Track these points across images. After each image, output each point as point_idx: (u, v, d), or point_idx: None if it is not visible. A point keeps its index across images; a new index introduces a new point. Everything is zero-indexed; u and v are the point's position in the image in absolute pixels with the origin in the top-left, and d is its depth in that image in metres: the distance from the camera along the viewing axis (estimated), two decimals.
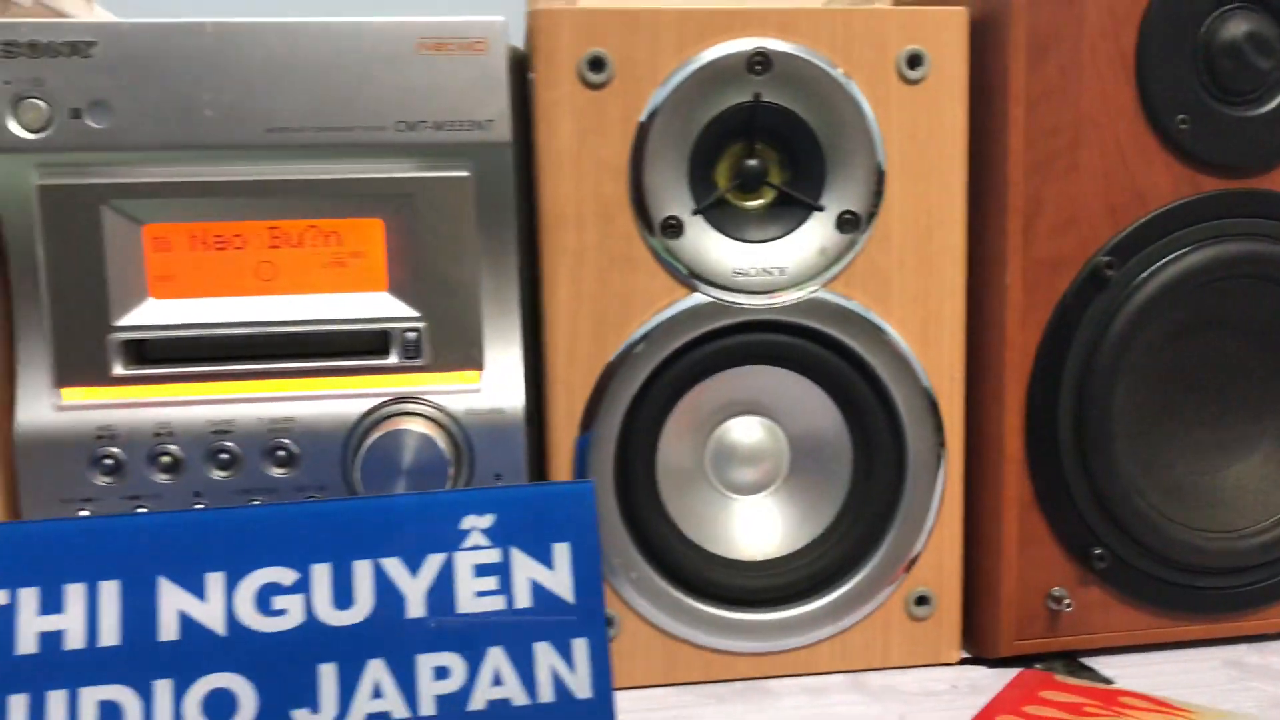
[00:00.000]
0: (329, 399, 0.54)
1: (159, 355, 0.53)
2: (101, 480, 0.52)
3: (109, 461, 0.52)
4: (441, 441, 0.53)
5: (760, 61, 0.54)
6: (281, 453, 0.53)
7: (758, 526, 0.60)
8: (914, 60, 0.55)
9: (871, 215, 0.56)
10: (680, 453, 0.59)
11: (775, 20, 0.54)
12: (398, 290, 0.54)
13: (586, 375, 0.56)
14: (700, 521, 0.59)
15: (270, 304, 0.53)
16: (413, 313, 0.54)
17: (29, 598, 0.43)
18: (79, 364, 0.52)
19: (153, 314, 0.52)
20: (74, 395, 0.52)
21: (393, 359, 0.54)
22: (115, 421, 0.52)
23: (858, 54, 0.55)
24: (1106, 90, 0.56)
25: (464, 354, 0.55)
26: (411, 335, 0.54)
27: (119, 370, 0.52)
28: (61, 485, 0.52)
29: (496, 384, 0.55)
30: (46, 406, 0.52)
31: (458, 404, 0.55)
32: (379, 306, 0.54)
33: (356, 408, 0.54)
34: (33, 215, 0.51)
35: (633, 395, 0.56)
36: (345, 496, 0.54)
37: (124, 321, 0.52)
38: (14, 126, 0.50)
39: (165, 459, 0.53)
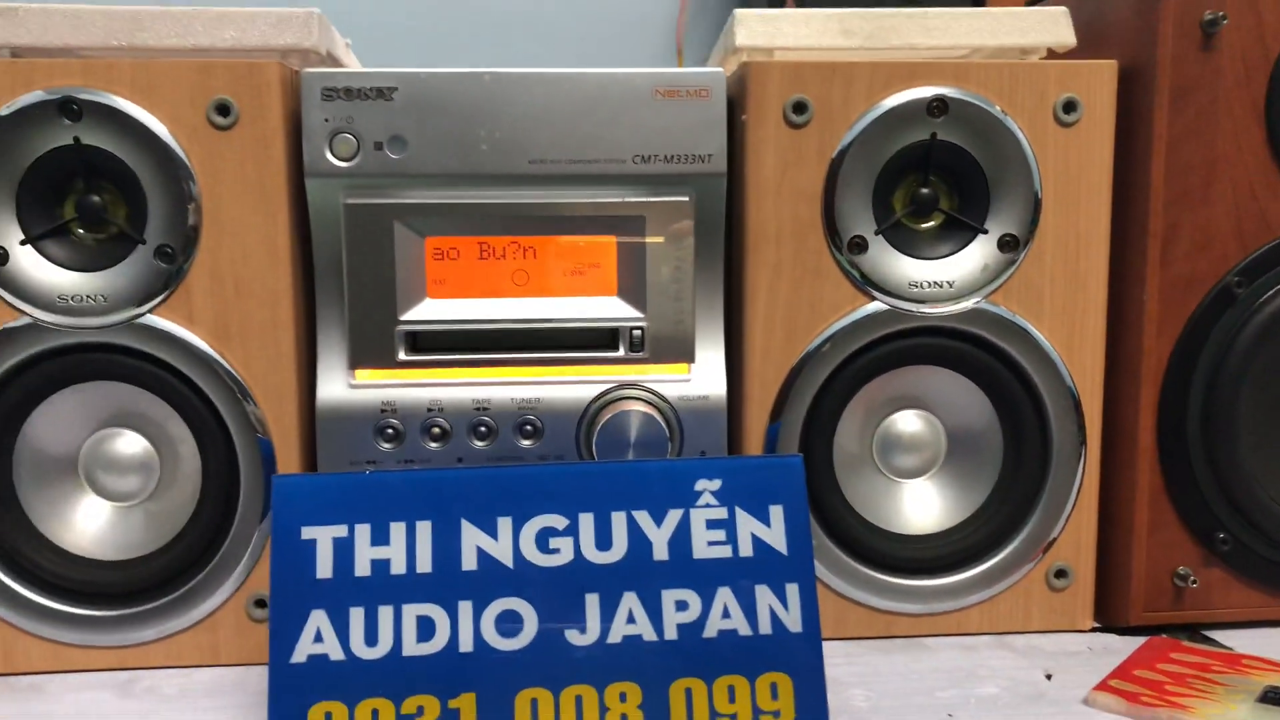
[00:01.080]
0: (568, 384, 0.64)
1: (433, 345, 0.64)
2: (384, 446, 0.64)
3: (390, 431, 0.64)
4: (661, 421, 0.63)
5: (938, 106, 0.63)
6: (529, 427, 0.64)
7: (918, 505, 0.69)
8: (1069, 106, 0.64)
9: (1028, 238, 0.65)
10: (853, 440, 0.68)
11: (951, 71, 0.63)
12: (626, 295, 0.65)
13: (778, 370, 0.65)
14: (869, 499, 0.68)
15: (523, 305, 0.64)
16: (637, 314, 0.64)
17: (363, 532, 0.54)
18: (369, 350, 0.63)
19: (429, 311, 0.64)
20: (364, 376, 0.64)
21: (620, 352, 0.65)
22: (396, 398, 0.64)
23: (1021, 100, 0.64)
24: (1239, 132, 0.64)
25: (678, 349, 0.65)
26: (636, 333, 0.64)
27: (402, 356, 0.63)
28: (351, 449, 0.64)
29: (704, 375, 0.65)
30: (342, 385, 0.64)
31: (671, 391, 0.65)
32: (610, 309, 0.65)
33: (590, 391, 0.64)
34: (339, 228, 0.62)
35: (816, 389, 0.66)
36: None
37: (407, 316, 0.63)
38: (330, 156, 0.62)
39: (435, 430, 0.64)
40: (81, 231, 0.62)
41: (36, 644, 0.63)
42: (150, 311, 0.61)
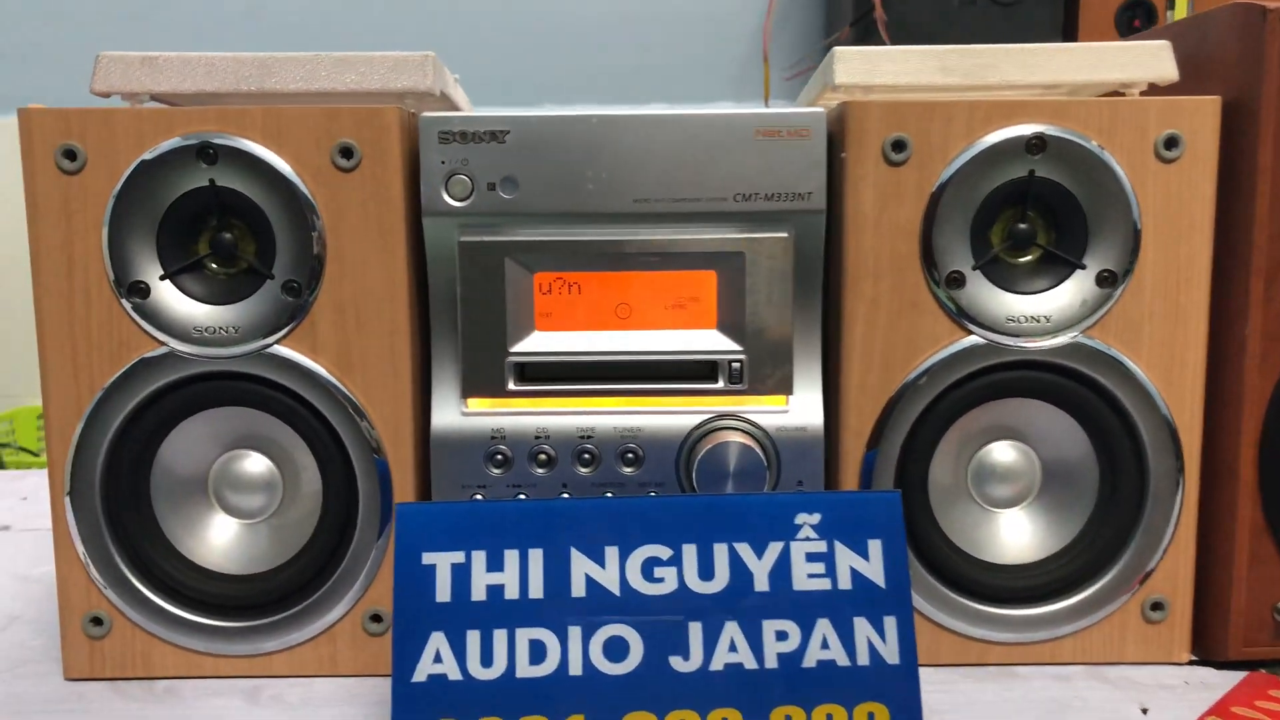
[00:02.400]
0: (669, 414, 0.67)
1: (540, 375, 0.67)
2: (493, 471, 0.67)
3: (499, 457, 0.67)
4: (759, 452, 0.65)
5: (1037, 143, 0.64)
6: (630, 455, 0.66)
7: (1012, 535, 0.70)
8: (1170, 142, 0.64)
9: (1127, 273, 0.65)
10: (948, 470, 0.69)
11: (1050, 108, 0.64)
12: (725, 328, 0.67)
13: (875, 402, 0.67)
14: (963, 528, 0.69)
15: (625, 337, 0.67)
16: (736, 347, 0.66)
17: (479, 559, 0.57)
18: (481, 380, 0.66)
19: (537, 343, 0.66)
20: (476, 404, 0.67)
21: (719, 384, 0.67)
22: (506, 426, 0.67)
23: (1120, 137, 0.64)
24: None
25: (776, 381, 0.67)
26: (735, 365, 0.66)
27: (511, 386, 0.66)
28: (463, 474, 0.67)
29: (801, 407, 0.67)
30: (454, 413, 0.67)
31: (769, 422, 0.67)
32: (710, 341, 0.67)
33: (690, 421, 0.67)
34: (453, 264, 0.65)
35: (913, 421, 0.67)
36: (679, 492, 0.67)
37: (516, 348, 0.66)
38: (446, 196, 0.65)
39: (542, 456, 0.67)
40: (215, 266, 0.66)
41: (172, 651, 0.67)
42: (278, 342, 0.65)
